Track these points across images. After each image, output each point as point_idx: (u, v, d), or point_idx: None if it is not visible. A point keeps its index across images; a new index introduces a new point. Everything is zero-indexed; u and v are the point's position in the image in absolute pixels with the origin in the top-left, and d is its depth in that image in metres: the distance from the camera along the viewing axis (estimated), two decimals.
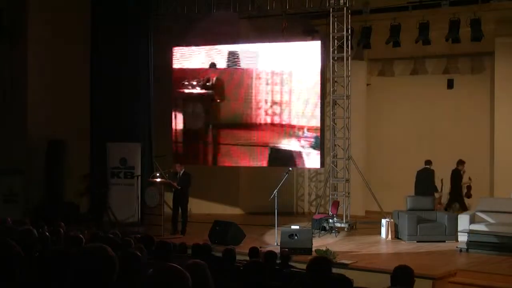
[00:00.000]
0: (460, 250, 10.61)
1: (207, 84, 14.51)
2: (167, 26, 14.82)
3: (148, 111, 14.47)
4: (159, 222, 12.31)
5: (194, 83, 14.59)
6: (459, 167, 13.88)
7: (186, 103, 14.75)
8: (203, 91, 14.56)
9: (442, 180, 13.74)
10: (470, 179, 13.86)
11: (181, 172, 12.76)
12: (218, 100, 14.45)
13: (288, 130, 13.88)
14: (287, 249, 8.99)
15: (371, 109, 15.90)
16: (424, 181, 13.52)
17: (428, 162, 13.62)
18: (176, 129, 14.81)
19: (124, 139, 14.05)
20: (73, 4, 14.34)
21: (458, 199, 13.86)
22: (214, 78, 14.46)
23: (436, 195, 13.60)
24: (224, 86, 14.40)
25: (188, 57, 14.73)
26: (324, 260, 5.02)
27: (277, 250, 9.43)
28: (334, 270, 8.02)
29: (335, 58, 13.66)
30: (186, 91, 14.66)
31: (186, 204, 12.75)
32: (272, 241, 11.10)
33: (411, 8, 14.07)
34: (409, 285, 5.16)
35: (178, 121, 14.78)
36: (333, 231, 12.45)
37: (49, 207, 13.11)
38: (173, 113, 14.82)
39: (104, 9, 14.52)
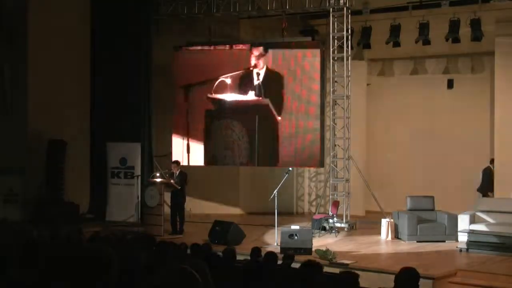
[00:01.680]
0: (460, 250, 10.61)
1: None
2: (167, 26, 14.81)
3: (148, 111, 14.46)
4: (159, 222, 12.31)
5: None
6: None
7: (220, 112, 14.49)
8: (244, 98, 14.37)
9: None
10: None
11: (177, 172, 12.76)
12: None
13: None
14: (291, 251, 9.01)
15: (371, 109, 15.89)
16: (486, 179, 13.71)
17: (491, 161, 13.80)
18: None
19: (124, 139, 14.05)
20: (73, 4, 14.34)
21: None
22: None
23: (490, 194, 13.54)
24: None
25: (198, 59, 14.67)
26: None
27: (277, 250, 9.49)
28: (334, 270, 8.07)
29: (335, 58, 13.66)
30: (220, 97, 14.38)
31: (183, 203, 12.75)
32: (272, 241, 11.10)
33: (411, 8, 14.05)
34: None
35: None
36: (333, 231, 12.44)
37: (49, 207, 13.10)
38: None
39: (104, 9, 14.52)
